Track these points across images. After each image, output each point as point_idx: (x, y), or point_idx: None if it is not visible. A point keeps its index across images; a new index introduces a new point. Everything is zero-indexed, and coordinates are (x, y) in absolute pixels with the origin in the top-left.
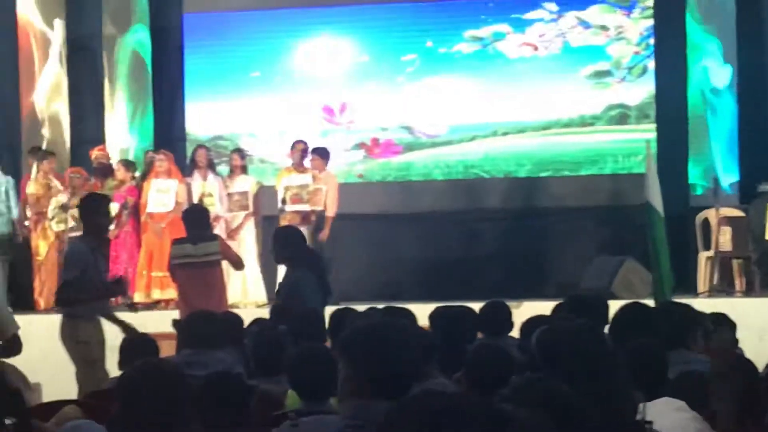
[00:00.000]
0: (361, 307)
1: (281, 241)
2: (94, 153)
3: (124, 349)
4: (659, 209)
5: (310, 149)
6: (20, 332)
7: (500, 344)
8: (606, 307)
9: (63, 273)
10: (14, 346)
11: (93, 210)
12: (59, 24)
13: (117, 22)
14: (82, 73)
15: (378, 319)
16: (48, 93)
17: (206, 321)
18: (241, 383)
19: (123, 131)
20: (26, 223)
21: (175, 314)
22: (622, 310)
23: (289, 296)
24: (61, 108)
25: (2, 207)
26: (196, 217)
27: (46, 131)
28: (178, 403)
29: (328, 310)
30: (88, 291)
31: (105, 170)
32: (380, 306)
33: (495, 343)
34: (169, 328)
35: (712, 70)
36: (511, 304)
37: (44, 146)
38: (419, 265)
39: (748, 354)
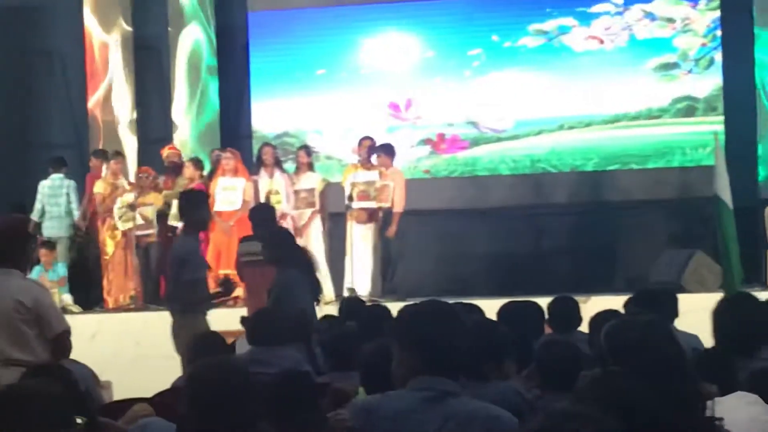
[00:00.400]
0: None
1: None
2: (165, 152)
3: (194, 347)
4: (728, 202)
5: (376, 145)
6: (71, 332)
7: (570, 339)
8: (675, 301)
9: (186, 272)
10: (62, 344)
11: (194, 204)
12: (122, 25)
13: (177, 21)
14: (148, 74)
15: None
16: (113, 95)
17: (273, 318)
18: (310, 381)
19: (185, 130)
20: (84, 221)
21: (243, 312)
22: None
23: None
24: (126, 109)
25: (63, 210)
26: (263, 216)
27: (111, 133)
28: (245, 401)
29: (396, 307)
30: (208, 290)
31: (176, 169)
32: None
33: (564, 338)
34: (238, 326)
35: None
36: (579, 298)
37: (114, 147)
38: (487, 261)
39: None
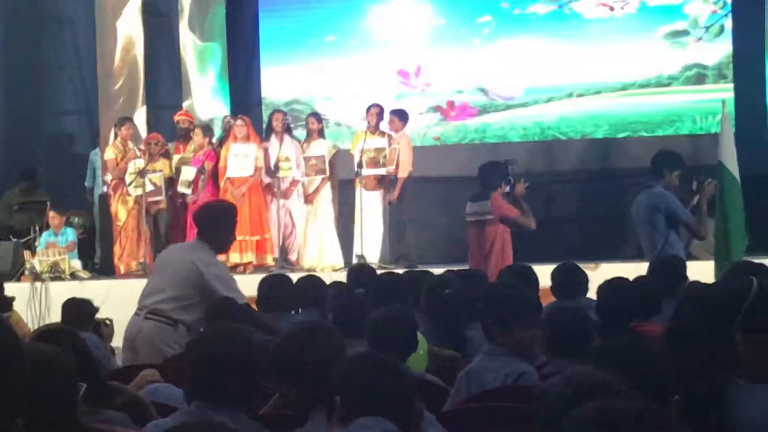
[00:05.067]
0: (437, 270)
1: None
2: (177, 117)
3: (209, 312)
4: (732, 170)
5: (386, 112)
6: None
7: (577, 306)
8: (684, 267)
9: (228, 290)
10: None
11: (220, 224)
12: None
13: None
14: (158, 40)
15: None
16: (124, 61)
17: (284, 284)
18: None
19: (199, 96)
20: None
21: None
22: None
23: None
24: (136, 76)
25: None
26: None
27: (122, 100)
28: (249, 366)
29: (404, 273)
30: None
31: (186, 135)
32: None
33: (572, 305)
34: (253, 292)
35: None
36: (588, 265)
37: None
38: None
39: None
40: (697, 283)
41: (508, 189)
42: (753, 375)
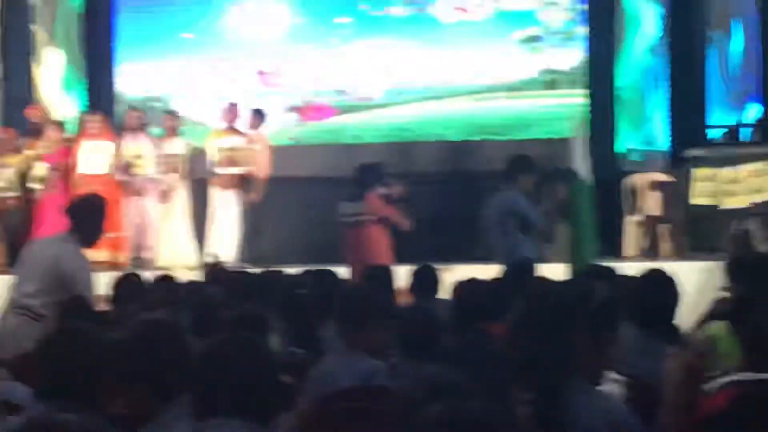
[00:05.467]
0: (292, 270)
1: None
2: (28, 112)
3: (60, 309)
4: (584, 174)
5: (243, 111)
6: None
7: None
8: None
9: (86, 287)
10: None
11: (90, 217)
12: None
13: None
14: (12, 33)
15: None
16: None
17: (137, 283)
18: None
19: (56, 91)
20: None
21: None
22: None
23: None
24: None
25: None
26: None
27: None
28: (96, 365)
29: (259, 273)
30: None
31: (39, 130)
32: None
33: (423, 305)
34: (106, 290)
35: (644, 36)
36: (442, 267)
37: None
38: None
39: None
40: (543, 283)
41: (384, 190)
42: (591, 375)
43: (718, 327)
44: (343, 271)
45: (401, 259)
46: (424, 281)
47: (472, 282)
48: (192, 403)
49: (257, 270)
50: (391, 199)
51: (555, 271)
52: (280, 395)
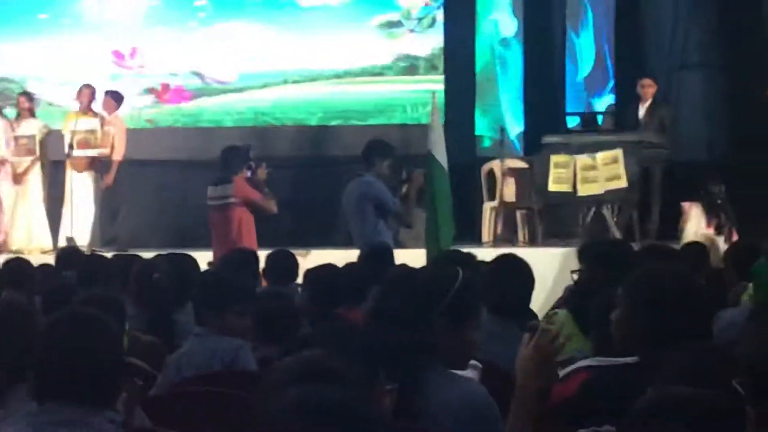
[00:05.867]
0: (148, 254)
1: None
2: None
3: None
4: (441, 160)
5: (98, 93)
6: None
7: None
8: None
9: None
10: None
11: None
12: None
13: None
14: None
15: None
16: None
17: None
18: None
19: None
20: None
21: None
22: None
23: None
24: None
25: None
26: None
27: None
28: None
29: (113, 257)
30: None
31: None
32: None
33: (281, 290)
34: None
35: (501, 22)
36: (299, 252)
37: None
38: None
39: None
40: (402, 268)
41: (249, 173)
42: (450, 361)
43: (563, 312)
44: (200, 255)
45: (259, 244)
46: (281, 266)
47: (326, 267)
48: (32, 386)
49: (112, 253)
50: (258, 183)
51: (413, 256)
52: (122, 377)
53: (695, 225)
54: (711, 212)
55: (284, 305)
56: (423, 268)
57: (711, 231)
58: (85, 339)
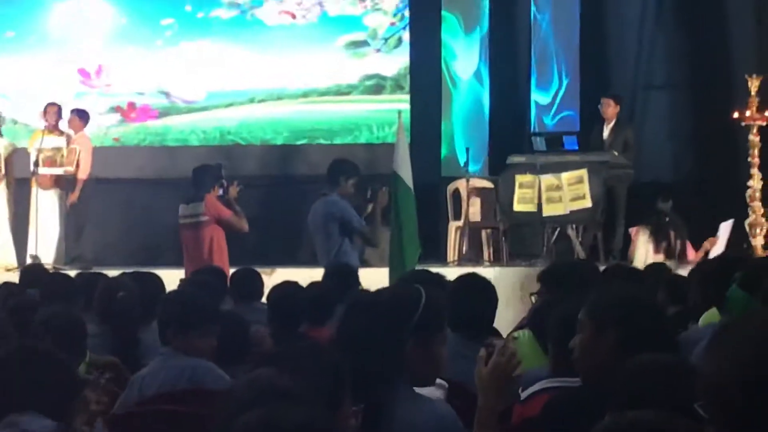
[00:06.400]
0: (113, 272)
1: None
2: None
3: None
4: (407, 180)
5: (64, 111)
6: None
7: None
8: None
9: None
10: None
11: None
12: None
13: None
14: None
15: None
16: None
17: None
18: None
19: None
20: None
21: None
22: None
23: None
24: None
25: None
26: None
27: None
28: None
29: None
30: None
31: None
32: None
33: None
34: None
35: (467, 41)
36: (264, 270)
37: None
38: (174, 231)
39: (495, 322)
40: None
41: (221, 191)
42: (417, 380)
43: (525, 332)
44: (166, 274)
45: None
46: (246, 285)
47: (289, 286)
48: None
49: (77, 271)
50: (229, 201)
51: (378, 275)
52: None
53: (643, 253)
54: (658, 234)
55: (240, 325)
56: (386, 289)
57: (660, 256)
58: (34, 373)
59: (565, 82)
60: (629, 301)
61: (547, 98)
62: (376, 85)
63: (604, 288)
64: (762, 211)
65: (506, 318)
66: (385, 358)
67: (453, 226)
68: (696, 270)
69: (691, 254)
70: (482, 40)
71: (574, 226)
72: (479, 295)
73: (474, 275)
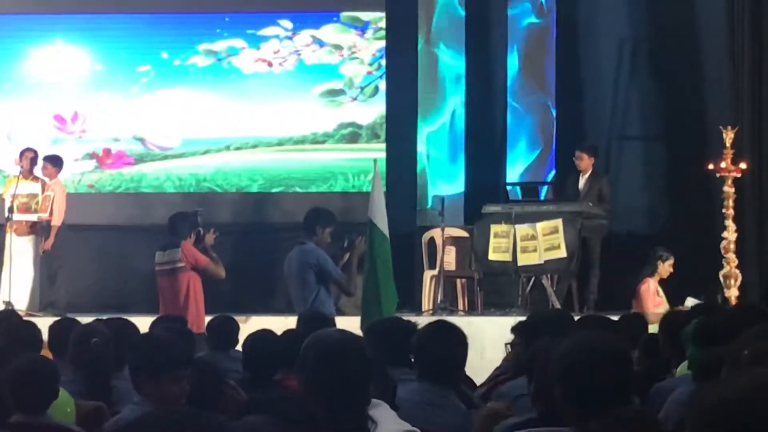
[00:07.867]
0: (87, 319)
1: None
2: None
3: None
4: (382, 227)
5: (40, 157)
6: None
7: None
8: (333, 323)
9: None
10: None
11: None
12: None
13: None
14: None
15: None
16: None
17: None
18: None
19: None
20: None
21: None
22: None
23: None
24: None
25: None
26: None
27: None
28: None
29: (48, 322)
30: None
31: None
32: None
33: (217, 356)
34: None
35: (446, 92)
36: (239, 318)
37: None
38: (148, 278)
39: (469, 370)
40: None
41: (197, 238)
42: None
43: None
44: (140, 321)
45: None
46: (221, 332)
47: (264, 333)
48: None
49: (50, 317)
50: (206, 248)
51: (353, 323)
52: None
53: (651, 304)
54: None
55: (212, 372)
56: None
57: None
58: None
59: (540, 133)
60: (572, 351)
61: (523, 148)
62: (352, 134)
63: (558, 340)
64: (736, 262)
65: (481, 367)
66: (351, 403)
67: (428, 274)
68: (664, 322)
69: None
70: (458, 89)
71: (548, 275)
72: (448, 341)
73: (442, 321)
